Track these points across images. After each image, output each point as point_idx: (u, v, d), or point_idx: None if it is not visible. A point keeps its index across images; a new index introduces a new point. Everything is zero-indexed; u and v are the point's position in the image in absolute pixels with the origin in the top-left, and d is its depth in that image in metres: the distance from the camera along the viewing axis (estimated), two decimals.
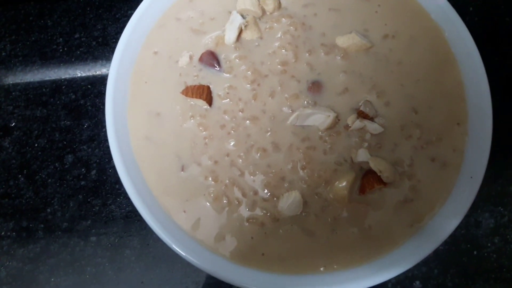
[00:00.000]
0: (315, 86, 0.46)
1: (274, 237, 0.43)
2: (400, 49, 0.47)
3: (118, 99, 0.45)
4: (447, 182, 0.44)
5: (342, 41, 0.47)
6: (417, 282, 0.54)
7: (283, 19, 0.48)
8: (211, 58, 0.47)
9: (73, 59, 0.63)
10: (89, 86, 0.62)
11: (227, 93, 0.46)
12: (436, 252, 0.55)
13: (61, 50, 0.64)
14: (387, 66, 0.47)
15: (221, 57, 0.47)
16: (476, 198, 0.56)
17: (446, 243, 0.55)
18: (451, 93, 0.47)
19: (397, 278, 0.54)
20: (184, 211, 0.43)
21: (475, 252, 0.55)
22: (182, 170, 0.44)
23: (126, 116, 0.46)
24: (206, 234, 0.43)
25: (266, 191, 0.44)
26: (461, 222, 0.55)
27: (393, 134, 0.45)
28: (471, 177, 0.43)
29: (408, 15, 0.49)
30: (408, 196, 0.44)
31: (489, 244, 0.55)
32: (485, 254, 0.55)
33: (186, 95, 0.46)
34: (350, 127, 0.45)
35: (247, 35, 0.48)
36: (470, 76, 0.47)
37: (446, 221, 0.42)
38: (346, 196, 0.43)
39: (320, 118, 0.44)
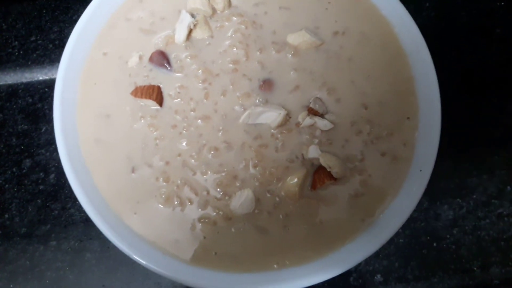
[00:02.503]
0: (267, 84, 0.46)
1: (227, 236, 0.43)
2: (351, 45, 0.48)
3: (66, 101, 0.45)
4: (398, 176, 0.44)
5: (293, 38, 0.47)
6: (378, 276, 0.55)
7: (234, 17, 0.48)
8: (161, 58, 0.47)
9: (29, 63, 0.63)
10: (46, 89, 0.61)
11: (178, 92, 0.46)
12: (396, 245, 0.56)
13: (16, 53, 0.63)
14: (338, 63, 0.47)
15: (171, 56, 0.47)
16: (435, 191, 0.58)
17: (406, 236, 0.56)
18: (401, 88, 0.47)
19: (359, 272, 0.55)
20: (135, 213, 0.43)
21: (434, 244, 0.56)
22: (133, 171, 0.44)
23: (75, 118, 0.45)
24: (158, 236, 0.43)
25: (218, 190, 0.44)
26: (421, 215, 0.57)
27: (343, 130, 0.45)
28: (421, 170, 0.43)
29: (358, 11, 0.49)
30: (359, 191, 0.44)
31: (448, 236, 0.56)
32: (444, 245, 0.56)
33: (136, 95, 0.45)
34: (301, 124, 0.45)
35: (198, 34, 0.48)
36: (420, 71, 0.47)
37: (397, 214, 0.43)
38: (297, 192, 0.43)
39: (271, 116, 0.45)
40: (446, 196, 0.58)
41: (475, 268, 0.55)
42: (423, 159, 0.44)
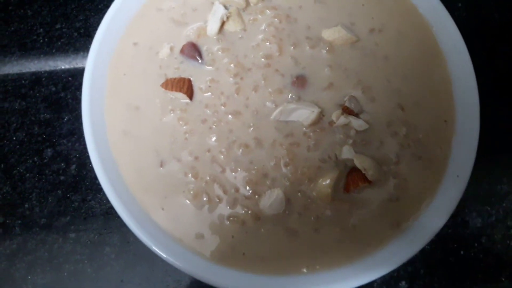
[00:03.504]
0: (300, 81, 0.45)
1: (256, 236, 0.41)
2: (387, 43, 0.46)
3: (95, 91, 0.44)
4: (434, 181, 0.43)
5: (328, 34, 0.46)
6: (403, 282, 0.53)
7: (268, 10, 0.47)
8: (192, 50, 0.45)
9: (53, 51, 0.62)
10: (70, 79, 0.60)
11: (209, 86, 0.45)
12: (422, 252, 0.54)
13: (41, 41, 0.62)
14: (374, 60, 0.46)
15: (203, 49, 0.46)
16: (463, 197, 0.56)
17: (432, 242, 0.55)
18: (438, 90, 0.46)
19: (383, 278, 0.53)
20: (163, 209, 0.42)
21: (462, 252, 0.54)
22: (161, 166, 0.43)
23: (104, 109, 0.44)
24: (185, 233, 0.41)
25: (247, 188, 0.42)
26: (448, 222, 0.55)
27: (378, 131, 0.44)
28: (458, 176, 0.42)
29: (395, 9, 0.48)
30: (394, 195, 0.43)
31: (476, 244, 0.55)
32: (472, 254, 0.54)
33: (166, 88, 0.44)
34: (335, 123, 0.44)
35: (230, 26, 0.46)
36: (458, 72, 0.46)
37: (432, 221, 0.41)
38: (329, 194, 0.41)
39: (304, 114, 0.43)
40: (475, 203, 0.57)
41: (503, 279, 0.54)
42: (461, 164, 0.43)
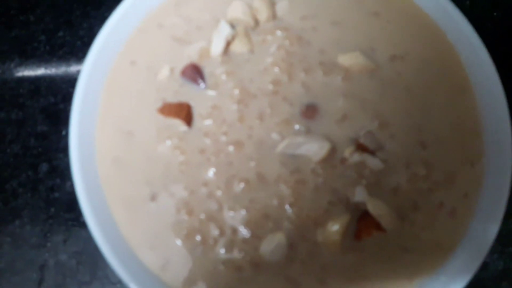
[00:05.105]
0: (310, 111, 0.41)
1: (253, 284, 0.37)
2: (410, 73, 0.42)
3: (86, 112, 0.41)
4: (456, 232, 0.39)
5: (345, 60, 0.42)
6: None
7: (278, 31, 0.43)
8: (194, 73, 0.42)
9: (55, 59, 0.59)
10: (70, 90, 0.57)
11: (210, 112, 0.41)
12: None
13: (42, 48, 0.59)
14: (394, 91, 0.41)
15: (206, 71, 0.42)
16: None
17: None
18: (465, 127, 0.41)
19: None
20: (151, 249, 0.38)
21: None
22: (152, 200, 0.39)
23: (94, 132, 0.41)
24: (175, 277, 0.38)
25: (246, 230, 0.38)
26: None
27: (396, 171, 0.39)
28: (484, 230, 0.37)
29: (421, 34, 0.43)
30: (410, 246, 0.38)
31: None
32: None
33: (163, 113, 0.41)
34: (348, 160, 0.39)
35: (237, 47, 0.42)
36: (489, 108, 0.41)
37: (452, 279, 0.37)
38: (338, 241, 0.37)
39: (313, 148, 0.39)
40: (497, 244, 0.51)
41: None
42: (487, 215, 0.38)
